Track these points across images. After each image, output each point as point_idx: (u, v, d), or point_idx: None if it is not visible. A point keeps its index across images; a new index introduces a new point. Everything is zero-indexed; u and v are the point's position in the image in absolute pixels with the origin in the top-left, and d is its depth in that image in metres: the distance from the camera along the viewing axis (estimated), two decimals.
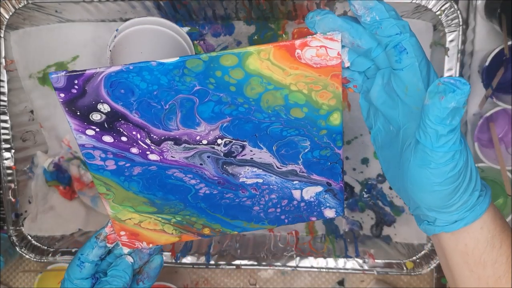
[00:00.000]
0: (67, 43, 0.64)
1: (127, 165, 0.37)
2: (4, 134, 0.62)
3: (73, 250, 0.66)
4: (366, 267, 0.64)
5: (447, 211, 0.33)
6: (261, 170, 0.39)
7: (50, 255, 0.66)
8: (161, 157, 0.37)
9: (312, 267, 0.64)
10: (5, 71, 0.61)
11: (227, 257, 0.65)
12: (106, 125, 0.34)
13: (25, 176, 0.65)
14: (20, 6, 0.59)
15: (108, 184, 0.38)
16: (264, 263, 0.64)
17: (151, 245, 0.43)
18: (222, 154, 0.37)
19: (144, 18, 0.56)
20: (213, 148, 0.37)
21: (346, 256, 0.64)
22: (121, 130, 0.35)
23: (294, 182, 0.40)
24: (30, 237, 0.65)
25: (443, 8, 0.56)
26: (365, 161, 0.67)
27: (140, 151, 0.36)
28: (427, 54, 0.60)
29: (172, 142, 0.36)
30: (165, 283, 0.67)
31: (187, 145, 0.36)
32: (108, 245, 0.43)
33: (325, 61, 0.32)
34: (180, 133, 0.35)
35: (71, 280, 0.42)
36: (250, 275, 0.74)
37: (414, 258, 0.63)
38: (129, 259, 0.43)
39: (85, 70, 0.32)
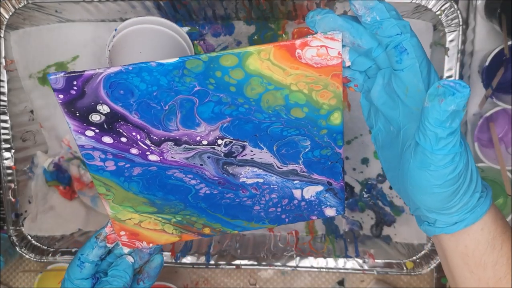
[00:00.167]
0: (67, 43, 0.64)
1: (127, 165, 0.37)
2: (4, 134, 0.62)
3: (73, 250, 0.66)
4: (366, 267, 0.64)
5: (447, 213, 0.33)
6: (261, 170, 0.38)
7: (50, 255, 0.65)
8: (161, 157, 0.36)
9: (312, 267, 0.64)
10: (5, 71, 0.61)
11: (227, 257, 0.65)
12: (105, 126, 0.34)
13: (25, 176, 0.65)
14: (20, 6, 0.58)
15: (108, 185, 0.38)
16: (264, 263, 0.64)
17: (151, 244, 0.43)
18: (222, 155, 0.37)
19: (143, 18, 0.56)
20: (214, 148, 0.36)
21: (346, 256, 0.64)
22: (121, 131, 0.34)
23: (295, 182, 0.40)
24: (30, 237, 0.65)
25: (443, 8, 0.56)
26: (365, 161, 0.67)
27: (140, 151, 0.36)
28: (427, 54, 0.59)
29: (172, 143, 0.36)
30: (165, 283, 0.67)
31: (187, 146, 0.36)
32: (108, 245, 0.42)
33: (326, 61, 0.32)
34: (180, 134, 0.35)
35: (71, 280, 0.42)
36: (250, 275, 0.74)
37: (414, 258, 0.63)
38: (130, 259, 0.43)
39: (84, 71, 0.31)
